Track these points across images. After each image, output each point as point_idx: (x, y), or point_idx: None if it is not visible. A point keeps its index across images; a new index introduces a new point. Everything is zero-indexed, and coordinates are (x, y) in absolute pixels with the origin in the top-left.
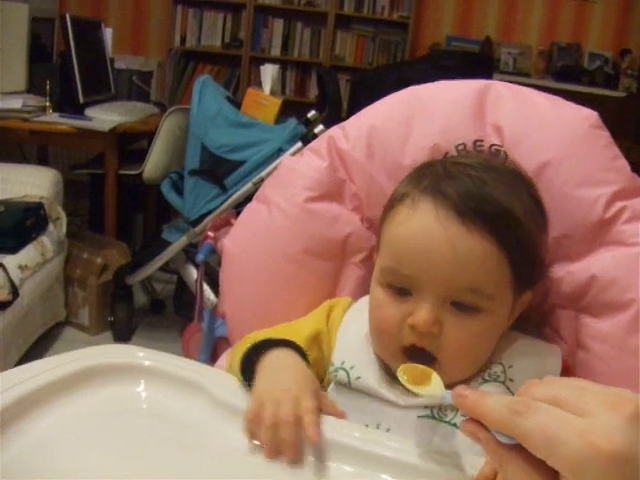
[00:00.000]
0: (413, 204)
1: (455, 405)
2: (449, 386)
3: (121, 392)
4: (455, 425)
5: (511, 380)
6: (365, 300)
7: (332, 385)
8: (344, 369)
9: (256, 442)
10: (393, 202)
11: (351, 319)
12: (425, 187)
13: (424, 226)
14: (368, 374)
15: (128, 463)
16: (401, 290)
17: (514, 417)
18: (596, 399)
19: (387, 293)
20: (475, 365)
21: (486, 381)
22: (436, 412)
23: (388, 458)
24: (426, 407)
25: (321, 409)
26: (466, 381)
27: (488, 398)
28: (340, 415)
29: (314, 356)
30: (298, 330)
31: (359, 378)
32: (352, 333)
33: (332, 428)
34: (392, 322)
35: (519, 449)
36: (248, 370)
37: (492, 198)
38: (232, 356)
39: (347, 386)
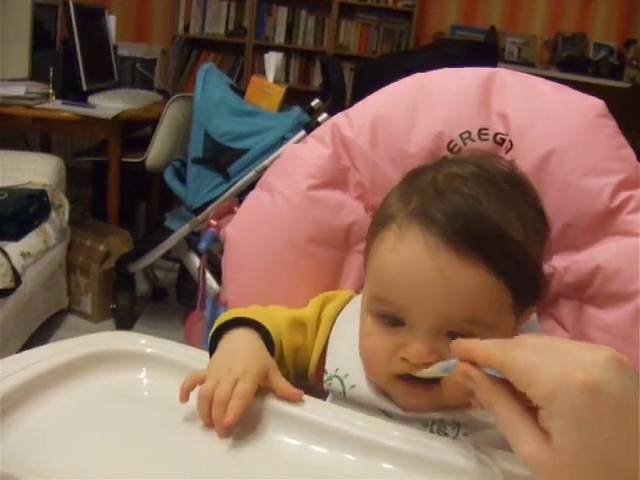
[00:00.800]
0: (400, 231)
1: (454, 353)
2: (453, 408)
3: (123, 379)
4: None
5: None
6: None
7: (329, 397)
8: (338, 377)
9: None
10: (379, 224)
11: (344, 321)
12: (413, 210)
13: (412, 256)
14: (363, 382)
15: (129, 450)
16: (393, 320)
17: (502, 352)
18: (577, 344)
19: (377, 322)
20: None
21: None
22: (436, 428)
23: (391, 447)
24: (425, 423)
25: (273, 390)
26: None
27: (482, 342)
28: (294, 397)
29: (297, 341)
30: (283, 312)
31: (354, 387)
32: (346, 337)
33: (334, 416)
34: (383, 354)
35: (506, 384)
36: (213, 348)
37: (486, 219)
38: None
39: (342, 396)
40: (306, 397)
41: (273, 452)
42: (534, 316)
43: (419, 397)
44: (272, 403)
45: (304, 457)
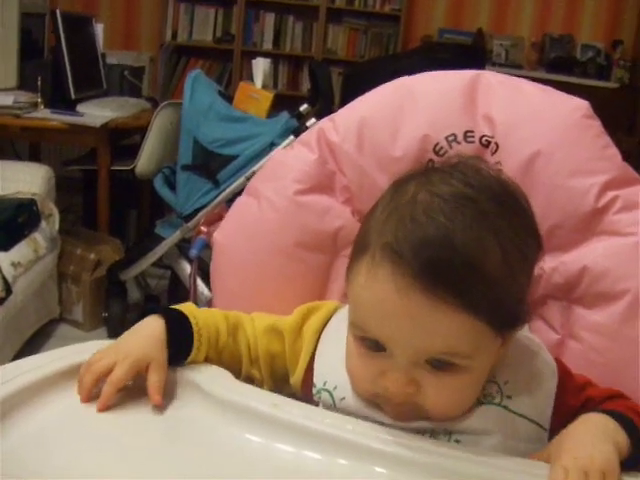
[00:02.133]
0: (372, 266)
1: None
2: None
3: None
4: None
5: (509, 397)
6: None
7: (320, 407)
8: (327, 390)
9: None
10: (357, 251)
11: (330, 334)
12: (385, 244)
13: (383, 297)
14: (352, 394)
15: (124, 457)
16: (374, 344)
17: None
18: None
19: (360, 346)
20: (463, 407)
21: (481, 403)
22: (428, 437)
23: (383, 451)
24: (418, 430)
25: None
26: None
27: None
28: (154, 399)
29: (274, 348)
30: (262, 319)
31: (343, 399)
32: (332, 350)
33: (325, 421)
34: (366, 376)
35: None
36: None
37: (458, 253)
38: None
39: (333, 408)
40: (297, 403)
41: (264, 457)
42: None
43: (404, 411)
44: (263, 409)
45: (295, 461)
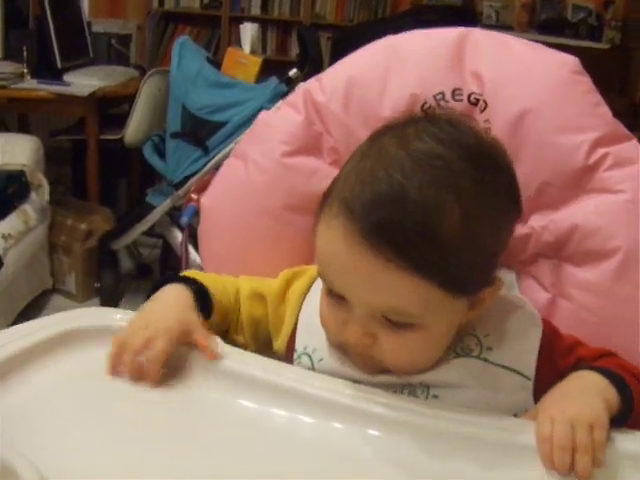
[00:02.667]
0: (330, 219)
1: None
2: (419, 371)
3: (100, 355)
4: None
5: (489, 349)
6: None
7: None
8: (306, 354)
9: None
10: (325, 199)
11: (312, 298)
12: (342, 198)
13: (335, 248)
14: (330, 355)
15: (108, 425)
16: (338, 296)
17: None
18: None
19: (327, 296)
20: (426, 364)
21: (459, 355)
22: (407, 392)
23: (377, 414)
24: (395, 385)
25: (194, 345)
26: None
27: None
28: (210, 355)
29: (256, 312)
30: (246, 282)
31: (322, 360)
32: (313, 313)
33: (321, 385)
34: (332, 325)
35: None
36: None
37: (408, 215)
38: None
39: (312, 371)
40: (291, 367)
41: (259, 422)
42: (512, 277)
43: (367, 362)
44: (256, 373)
45: (290, 426)
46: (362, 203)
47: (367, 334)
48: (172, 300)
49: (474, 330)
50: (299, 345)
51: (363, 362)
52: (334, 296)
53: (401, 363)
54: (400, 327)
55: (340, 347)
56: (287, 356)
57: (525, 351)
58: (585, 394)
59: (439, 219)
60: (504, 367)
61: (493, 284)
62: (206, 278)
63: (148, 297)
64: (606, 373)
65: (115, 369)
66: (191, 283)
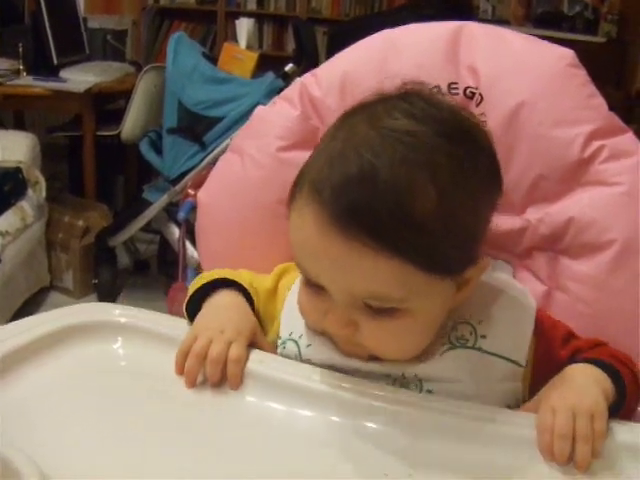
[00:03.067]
0: (300, 204)
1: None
2: (409, 362)
3: (99, 350)
4: None
5: (483, 337)
6: None
7: None
8: (292, 340)
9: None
10: (296, 182)
11: (297, 287)
12: (311, 181)
13: (307, 236)
14: (318, 341)
15: (108, 420)
16: (316, 286)
17: None
18: None
19: (305, 286)
20: (415, 350)
21: (454, 347)
22: (398, 384)
23: (375, 407)
24: (388, 378)
25: (262, 349)
26: (428, 348)
27: None
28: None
29: (271, 309)
30: (261, 280)
31: (309, 346)
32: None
33: (320, 379)
34: (313, 315)
35: None
36: (195, 309)
37: (379, 195)
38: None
39: (298, 358)
40: (283, 359)
41: (258, 417)
42: (509, 269)
43: (353, 349)
44: (256, 368)
45: (287, 420)
46: (331, 185)
47: (349, 323)
48: (232, 304)
49: (468, 318)
50: (284, 332)
51: (350, 349)
52: (312, 286)
53: (388, 351)
54: (383, 313)
55: (324, 334)
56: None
57: (518, 337)
58: (585, 384)
59: (412, 198)
60: (499, 355)
61: (477, 263)
62: (236, 277)
63: (197, 312)
64: (601, 364)
65: (192, 377)
66: (236, 287)
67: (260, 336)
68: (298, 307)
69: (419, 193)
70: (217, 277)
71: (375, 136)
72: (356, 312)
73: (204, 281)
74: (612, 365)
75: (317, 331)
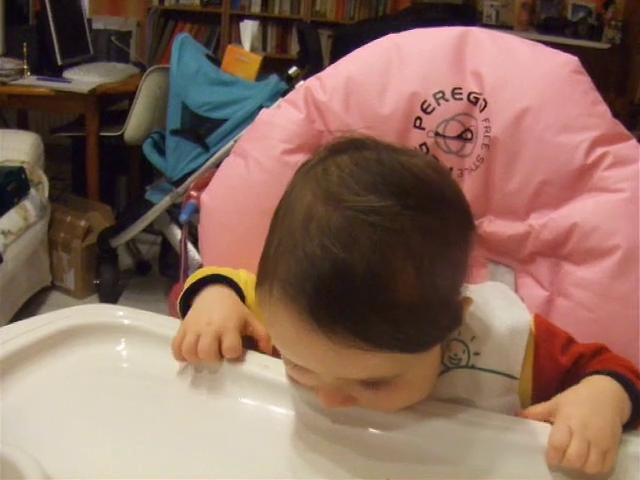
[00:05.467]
0: (272, 304)
1: None
2: None
3: (102, 351)
4: None
5: (476, 354)
6: None
7: None
8: None
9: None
10: (259, 271)
11: None
12: (280, 281)
13: (287, 337)
14: None
15: (110, 422)
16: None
17: None
18: None
19: (288, 364)
20: (416, 400)
21: (447, 368)
22: None
23: (377, 412)
24: None
25: (255, 336)
26: None
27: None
28: (268, 345)
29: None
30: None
31: None
32: None
33: None
34: (304, 386)
35: None
36: (186, 306)
37: (358, 292)
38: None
39: None
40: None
41: (252, 421)
42: (510, 277)
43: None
44: (255, 371)
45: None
46: (306, 290)
47: (346, 399)
48: (219, 297)
49: (459, 336)
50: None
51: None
52: (297, 365)
53: (387, 410)
54: (379, 386)
55: None
56: (274, 352)
57: (512, 349)
58: (605, 406)
59: (392, 286)
60: (492, 371)
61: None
62: (226, 273)
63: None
64: (618, 377)
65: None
66: (224, 281)
67: (253, 322)
68: (285, 377)
69: (398, 278)
70: (209, 274)
71: (339, 221)
72: (351, 387)
73: (196, 279)
74: (628, 378)
75: None
